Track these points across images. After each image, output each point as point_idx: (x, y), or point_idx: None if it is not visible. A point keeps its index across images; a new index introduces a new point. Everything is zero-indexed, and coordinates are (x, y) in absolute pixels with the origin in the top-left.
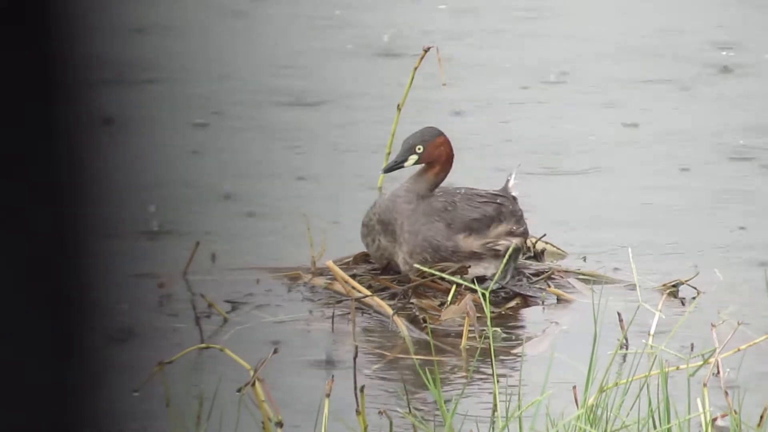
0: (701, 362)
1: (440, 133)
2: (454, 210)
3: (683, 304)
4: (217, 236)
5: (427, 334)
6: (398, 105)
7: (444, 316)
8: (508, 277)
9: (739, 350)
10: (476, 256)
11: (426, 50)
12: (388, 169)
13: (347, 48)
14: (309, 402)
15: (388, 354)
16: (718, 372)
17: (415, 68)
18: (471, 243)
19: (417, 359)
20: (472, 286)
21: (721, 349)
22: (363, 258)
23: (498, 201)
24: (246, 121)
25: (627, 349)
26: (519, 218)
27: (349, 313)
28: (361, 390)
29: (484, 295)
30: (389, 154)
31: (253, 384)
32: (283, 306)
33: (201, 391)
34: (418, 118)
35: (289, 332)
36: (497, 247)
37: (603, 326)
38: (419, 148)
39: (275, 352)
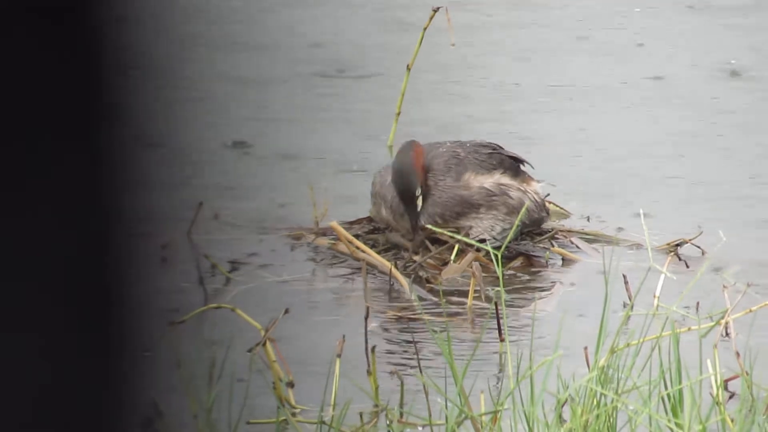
0: (712, 323)
1: (411, 151)
2: (459, 162)
3: (687, 266)
4: (221, 195)
5: (431, 292)
6: (407, 65)
7: (445, 275)
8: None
9: (750, 311)
10: (487, 201)
11: (435, 10)
12: (414, 228)
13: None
14: (319, 362)
15: (398, 314)
16: (728, 333)
17: (425, 28)
18: (482, 179)
19: (427, 319)
20: (482, 246)
21: (732, 310)
22: (367, 221)
23: (505, 153)
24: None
25: (632, 309)
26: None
27: (351, 273)
28: (372, 350)
29: (495, 255)
30: (398, 114)
31: (264, 344)
32: (287, 266)
33: (213, 352)
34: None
35: (294, 292)
36: (510, 193)
37: (608, 286)
38: (418, 191)
39: (286, 312)
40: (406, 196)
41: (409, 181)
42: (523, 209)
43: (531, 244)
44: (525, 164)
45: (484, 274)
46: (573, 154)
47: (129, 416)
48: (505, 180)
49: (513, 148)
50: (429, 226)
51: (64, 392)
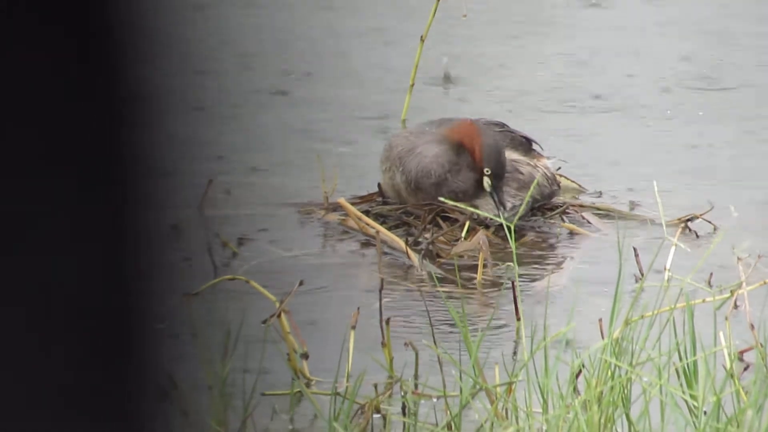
0: (726, 295)
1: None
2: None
3: (697, 236)
4: (233, 171)
5: (441, 268)
6: (421, 36)
7: (455, 250)
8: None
9: (765, 283)
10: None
11: None
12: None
13: None
14: (333, 334)
15: (411, 285)
16: (736, 306)
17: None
18: None
19: (441, 291)
20: (494, 217)
21: (746, 282)
22: (376, 196)
23: (513, 131)
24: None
25: (645, 282)
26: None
27: (361, 248)
28: (387, 322)
29: (508, 228)
30: (412, 86)
31: (279, 316)
32: (297, 241)
33: (227, 324)
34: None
35: (305, 267)
36: (521, 168)
37: (621, 259)
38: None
39: (300, 284)
40: (501, 175)
41: (506, 160)
42: (534, 183)
43: (542, 219)
44: (534, 143)
45: (493, 250)
46: (591, 127)
47: (144, 388)
48: (516, 156)
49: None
50: (441, 199)
51: (78, 369)
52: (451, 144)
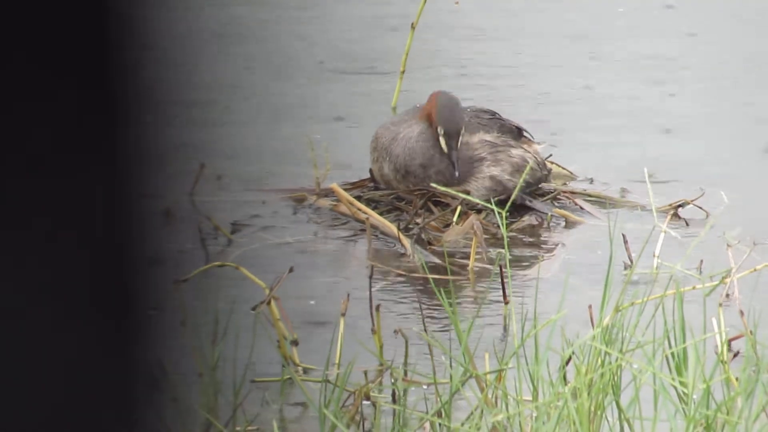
0: (717, 282)
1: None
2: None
3: (687, 224)
4: (223, 157)
5: (433, 254)
6: (412, 24)
7: (447, 237)
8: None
9: (755, 270)
10: (491, 153)
11: None
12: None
13: None
14: (323, 321)
15: (401, 272)
16: (728, 295)
17: None
18: (483, 134)
19: (431, 278)
20: (485, 204)
21: (736, 269)
22: (368, 181)
23: (504, 120)
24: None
25: (635, 269)
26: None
27: (353, 235)
28: (377, 309)
29: (499, 214)
30: (403, 72)
31: (268, 302)
32: (289, 227)
33: (216, 310)
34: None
35: (296, 253)
36: (512, 151)
37: (612, 246)
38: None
39: (290, 271)
40: (454, 132)
41: (461, 118)
42: (528, 167)
43: (536, 203)
44: (525, 132)
45: (485, 236)
46: (578, 110)
47: (134, 376)
48: (505, 138)
49: (520, 104)
50: (434, 185)
51: (71, 354)
52: (428, 122)
